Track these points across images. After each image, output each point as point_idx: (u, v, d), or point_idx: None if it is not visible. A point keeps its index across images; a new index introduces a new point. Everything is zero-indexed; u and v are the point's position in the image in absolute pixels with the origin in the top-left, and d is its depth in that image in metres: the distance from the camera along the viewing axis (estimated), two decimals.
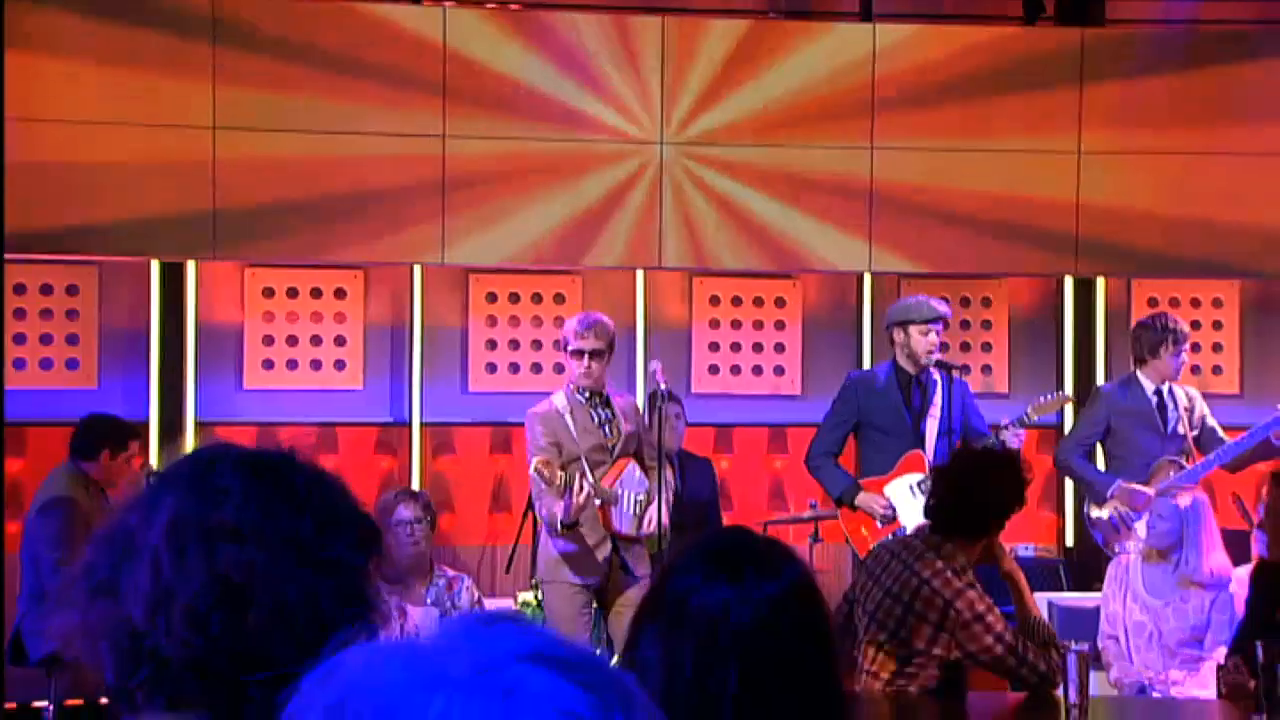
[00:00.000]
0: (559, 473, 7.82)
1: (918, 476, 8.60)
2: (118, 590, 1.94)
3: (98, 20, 9.51)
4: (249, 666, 1.92)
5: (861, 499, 8.66)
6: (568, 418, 8.08)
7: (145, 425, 9.99)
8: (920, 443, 8.72)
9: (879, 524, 8.44)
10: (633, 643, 2.37)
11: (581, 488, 7.82)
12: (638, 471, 8.14)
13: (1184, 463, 8.95)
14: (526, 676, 1.14)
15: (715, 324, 10.71)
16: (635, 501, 8.07)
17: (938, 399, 8.80)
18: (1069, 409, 10.21)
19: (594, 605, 8.19)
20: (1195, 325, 10.70)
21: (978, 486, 6.08)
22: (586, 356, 8.05)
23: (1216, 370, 10.94)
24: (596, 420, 8.12)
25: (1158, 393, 9.18)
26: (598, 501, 7.99)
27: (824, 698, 2.30)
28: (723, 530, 2.37)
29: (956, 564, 5.96)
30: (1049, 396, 9.27)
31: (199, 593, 1.91)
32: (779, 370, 10.74)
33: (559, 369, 10.26)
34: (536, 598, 8.94)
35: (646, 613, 2.40)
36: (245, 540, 1.94)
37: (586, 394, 8.13)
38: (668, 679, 2.26)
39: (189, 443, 10.06)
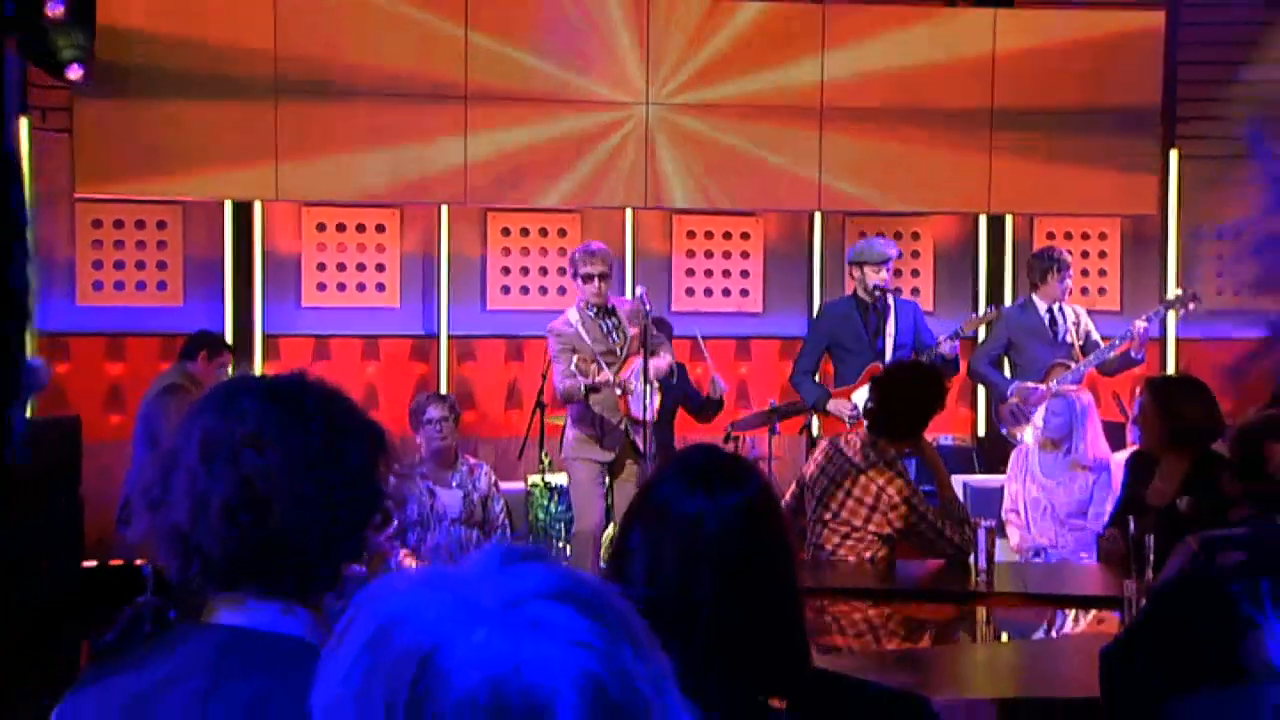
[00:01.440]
0: (589, 365, 7.94)
1: None
2: (167, 502, 2.00)
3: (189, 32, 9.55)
4: (276, 557, 1.98)
5: (831, 405, 8.71)
6: (580, 329, 8.11)
7: (221, 336, 10.07)
8: (880, 357, 8.76)
9: (847, 424, 8.52)
10: (622, 543, 2.32)
11: (601, 372, 7.93)
12: (656, 360, 8.14)
13: (1071, 365, 9.06)
14: (549, 611, 1.10)
15: (691, 254, 10.69)
16: (645, 391, 8.15)
17: (892, 321, 8.86)
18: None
19: (608, 479, 8.21)
20: (1085, 254, 10.79)
21: (905, 396, 6.12)
22: (596, 279, 8.08)
23: (1102, 291, 10.99)
24: (604, 330, 8.14)
25: (1049, 311, 9.24)
26: (618, 391, 8.05)
27: (780, 583, 2.28)
28: (695, 447, 2.31)
29: (888, 457, 5.98)
30: (977, 314, 9.37)
31: (229, 493, 1.96)
32: (744, 292, 10.73)
33: (562, 291, 10.31)
34: (544, 480, 9.01)
35: (633, 519, 2.32)
36: (263, 449, 1.97)
37: (595, 309, 8.16)
38: (651, 573, 2.23)
39: (258, 351, 10.10)
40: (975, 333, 9.55)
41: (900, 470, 6.01)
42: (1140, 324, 9.01)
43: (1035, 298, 9.26)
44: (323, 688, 1.14)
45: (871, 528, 5.92)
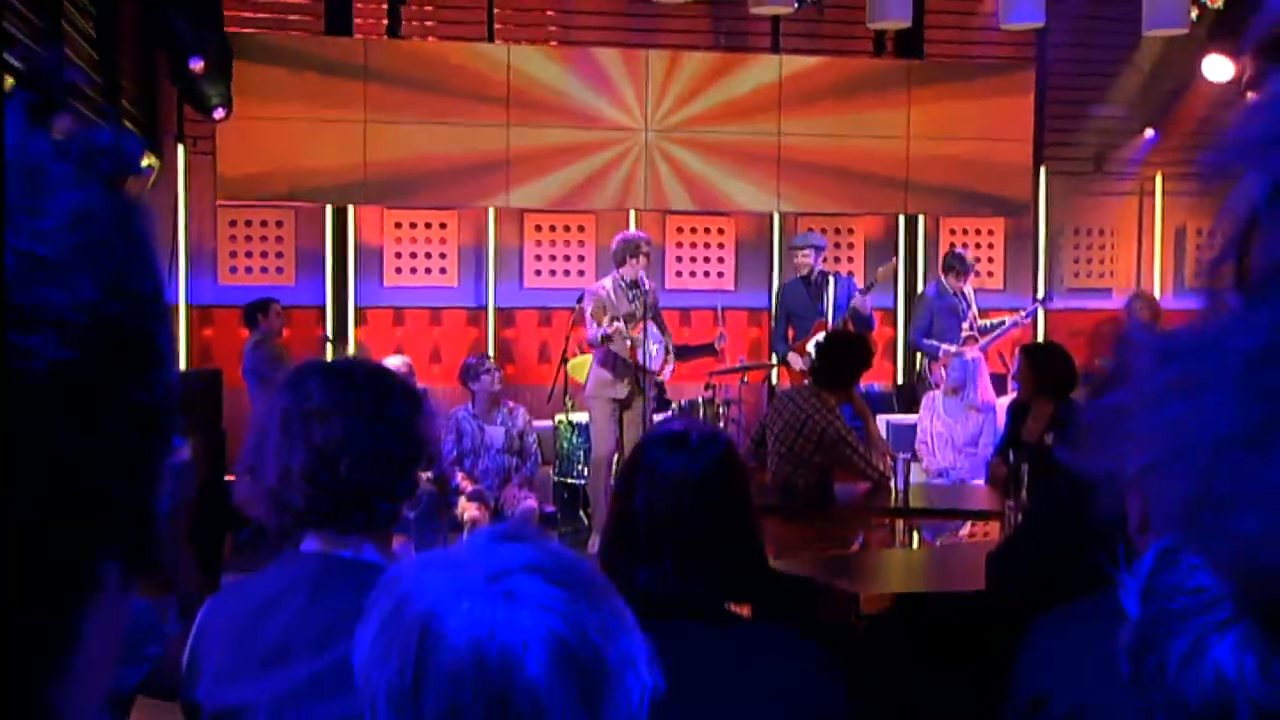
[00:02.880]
0: (613, 323, 7.91)
1: (821, 335, 8.74)
2: (261, 469, 2.00)
3: (300, 82, 9.58)
4: (349, 502, 1.98)
5: (789, 357, 8.92)
6: (611, 295, 8.07)
7: (323, 309, 10.07)
8: (822, 317, 8.89)
9: (800, 372, 8.58)
10: (624, 493, 2.24)
11: (615, 329, 7.91)
12: (654, 328, 8.18)
13: (978, 336, 9.18)
14: (522, 582, 1.08)
15: (680, 245, 10.69)
16: (651, 347, 8.17)
17: (830, 291, 8.94)
18: (913, 294, 10.34)
19: (620, 415, 8.16)
20: (977, 245, 10.87)
21: (841, 358, 6.12)
22: (648, 258, 8.18)
23: (990, 274, 11.03)
24: (629, 299, 8.09)
25: (958, 294, 9.39)
26: (628, 343, 8.00)
27: (743, 515, 2.26)
28: (671, 421, 2.20)
29: (829, 405, 5.95)
30: (883, 268, 9.49)
31: (306, 459, 1.96)
32: (720, 274, 10.74)
33: (581, 273, 10.36)
34: (568, 418, 9.06)
35: (631, 476, 2.24)
36: (327, 418, 1.96)
37: (627, 281, 8.12)
38: (648, 516, 2.17)
39: (350, 320, 10.12)
40: (875, 283, 9.49)
41: (838, 415, 5.99)
42: (1023, 319, 9.42)
43: (946, 281, 9.39)
44: (358, 651, 1.12)
45: (817, 459, 5.91)
